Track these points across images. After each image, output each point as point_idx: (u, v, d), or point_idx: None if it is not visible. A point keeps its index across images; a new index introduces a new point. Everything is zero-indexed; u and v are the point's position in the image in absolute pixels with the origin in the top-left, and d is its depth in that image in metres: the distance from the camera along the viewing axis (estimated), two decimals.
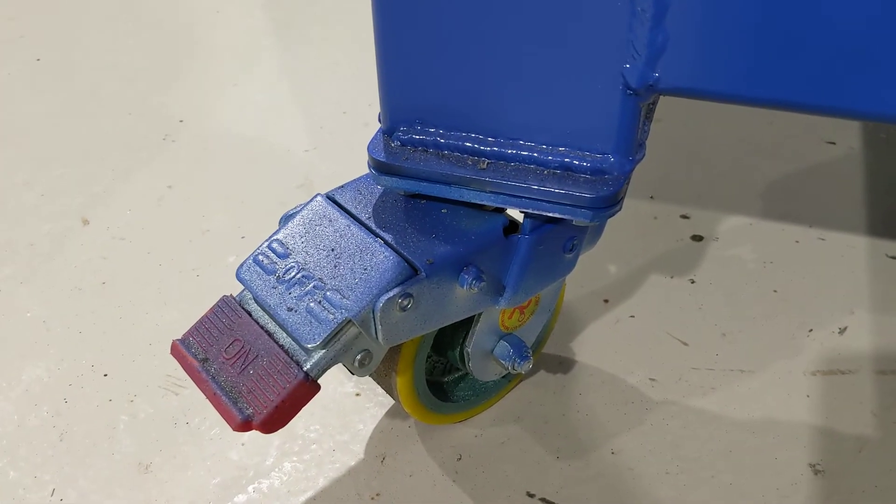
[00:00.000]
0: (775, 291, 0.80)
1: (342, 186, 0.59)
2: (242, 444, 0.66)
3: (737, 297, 0.79)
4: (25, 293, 0.82)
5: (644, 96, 0.47)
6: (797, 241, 0.86)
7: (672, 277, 0.82)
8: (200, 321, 0.55)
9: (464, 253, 0.53)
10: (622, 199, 0.52)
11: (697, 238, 0.86)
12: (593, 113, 0.49)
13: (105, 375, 0.73)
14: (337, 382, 0.71)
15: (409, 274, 0.51)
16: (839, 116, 0.45)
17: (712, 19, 0.43)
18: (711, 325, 0.76)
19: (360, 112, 1.09)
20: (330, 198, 0.58)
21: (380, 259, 0.52)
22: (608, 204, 0.51)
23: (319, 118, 1.09)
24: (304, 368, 0.50)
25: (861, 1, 0.40)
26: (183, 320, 0.78)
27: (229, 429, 0.57)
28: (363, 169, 0.93)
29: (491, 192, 0.52)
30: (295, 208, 0.58)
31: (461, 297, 0.54)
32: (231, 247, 0.87)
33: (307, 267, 0.53)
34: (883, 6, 0.40)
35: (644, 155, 0.53)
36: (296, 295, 0.52)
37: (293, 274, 0.53)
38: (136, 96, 1.16)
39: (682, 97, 0.47)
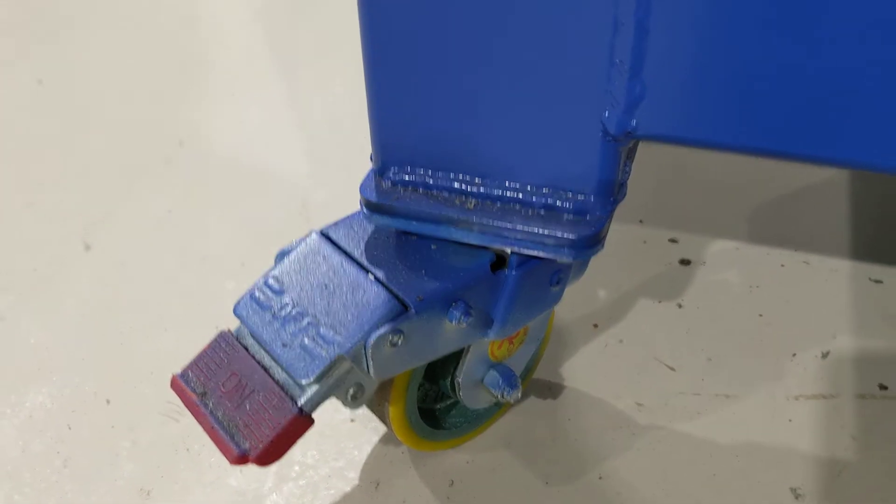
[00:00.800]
0: (761, 315, 0.82)
1: (336, 223, 0.61)
2: (241, 471, 0.68)
3: (723, 322, 0.81)
4: (28, 319, 0.84)
5: (623, 142, 0.50)
6: (783, 265, 0.88)
7: (660, 302, 0.83)
8: (199, 356, 0.56)
9: (452, 289, 0.55)
10: (604, 238, 0.54)
11: (685, 262, 0.88)
12: (575, 157, 0.51)
13: (107, 402, 0.75)
14: (333, 409, 0.72)
15: (399, 310, 0.53)
16: (806, 162, 0.47)
17: (687, 71, 0.45)
18: (698, 350, 0.78)
19: (357, 137, 1.11)
20: (324, 234, 0.60)
21: (371, 296, 0.54)
22: (590, 244, 0.53)
23: (317, 143, 1.11)
24: (299, 403, 0.52)
25: (828, 55, 0.42)
26: (183, 347, 0.79)
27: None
28: (359, 194, 0.95)
29: (478, 231, 0.54)
30: (290, 244, 0.60)
31: (450, 331, 0.56)
32: (230, 273, 0.89)
33: (302, 303, 0.55)
34: (848, 59, 0.42)
35: (625, 195, 0.56)
36: (290, 331, 0.54)
37: (288, 310, 0.55)
38: (137, 118, 1.18)
39: (660, 143, 0.49)
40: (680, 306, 0.83)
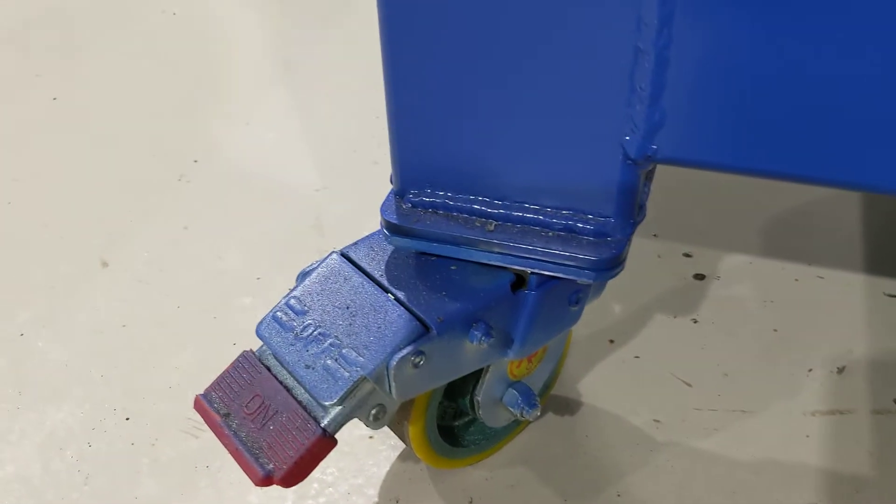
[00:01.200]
0: (775, 331, 0.82)
1: (356, 243, 0.61)
2: (261, 489, 0.69)
3: (738, 337, 0.81)
4: (47, 336, 0.85)
5: (643, 165, 0.50)
6: (796, 280, 0.88)
7: (675, 317, 0.84)
8: (222, 376, 0.57)
9: (473, 310, 0.55)
10: (625, 259, 0.54)
11: (700, 277, 0.89)
12: (595, 179, 0.52)
13: (127, 419, 0.75)
14: (351, 425, 0.73)
15: (420, 332, 0.54)
16: (825, 186, 0.48)
17: (706, 99, 0.46)
18: (714, 365, 0.78)
19: (370, 151, 1.12)
20: (344, 255, 0.60)
21: (393, 317, 0.55)
22: (611, 265, 0.53)
23: (329, 157, 1.12)
24: (322, 424, 0.52)
25: (845, 82, 0.43)
26: (201, 363, 0.80)
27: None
28: (373, 208, 0.96)
29: (498, 252, 0.55)
30: (311, 265, 0.60)
31: (471, 351, 0.57)
32: (247, 288, 0.90)
33: (324, 324, 0.56)
34: (865, 84, 0.42)
35: (644, 216, 0.56)
36: (313, 352, 0.54)
37: (311, 331, 0.55)
38: (152, 136, 1.18)
39: (679, 167, 0.50)
40: (695, 321, 0.83)
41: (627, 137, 0.49)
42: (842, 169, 0.46)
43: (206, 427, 0.73)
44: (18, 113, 1.25)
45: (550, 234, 0.54)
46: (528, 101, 0.50)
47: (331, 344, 0.54)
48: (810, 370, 0.78)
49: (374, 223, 0.97)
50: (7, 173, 1.11)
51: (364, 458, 0.71)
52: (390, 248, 0.60)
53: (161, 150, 1.15)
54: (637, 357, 0.80)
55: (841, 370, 0.77)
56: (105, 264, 0.94)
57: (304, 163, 1.11)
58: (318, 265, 0.59)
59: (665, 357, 0.79)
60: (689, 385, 0.77)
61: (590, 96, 0.48)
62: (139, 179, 1.09)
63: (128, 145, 1.17)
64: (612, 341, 0.81)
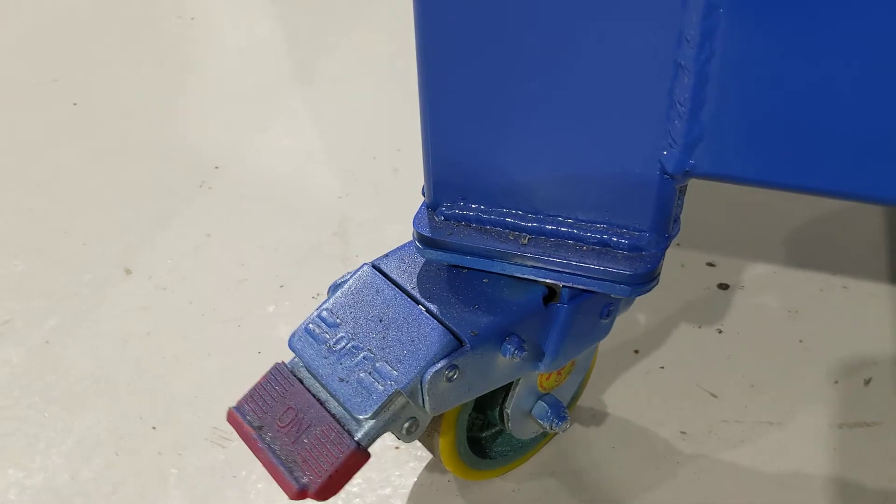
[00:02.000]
0: (801, 341, 0.82)
1: (387, 255, 0.61)
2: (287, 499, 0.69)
3: (763, 348, 0.81)
4: (71, 344, 0.85)
5: (680, 180, 0.50)
6: (821, 290, 0.88)
7: (700, 327, 0.84)
8: (254, 388, 0.57)
9: (506, 323, 0.55)
10: (659, 273, 0.54)
11: (724, 286, 0.88)
12: (632, 194, 0.51)
13: (153, 428, 0.76)
14: None
15: (454, 345, 0.54)
16: (867, 202, 0.48)
17: (747, 114, 0.46)
18: (739, 376, 0.78)
19: (390, 157, 1.12)
20: (375, 266, 0.60)
21: (426, 331, 0.55)
22: (646, 280, 0.53)
23: (349, 163, 1.12)
24: (356, 438, 0.52)
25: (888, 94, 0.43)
26: (226, 372, 0.80)
27: (274, 481, 0.60)
28: (395, 215, 0.96)
29: (532, 266, 0.55)
30: (343, 277, 0.60)
31: (503, 365, 0.57)
32: (270, 296, 0.90)
33: (357, 337, 0.56)
34: None
35: (679, 230, 0.56)
36: (346, 366, 0.54)
37: (343, 344, 0.56)
38: (172, 142, 1.19)
39: (716, 182, 0.49)
40: (720, 332, 0.83)
41: (665, 152, 0.48)
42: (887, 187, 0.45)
43: (232, 437, 0.74)
44: (38, 118, 1.26)
45: (585, 247, 0.54)
46: (565, 116, 0.50)
47: (364, 357, 0.54)
48: (836, 381, 0.77)
49: (396, 230, 0.97)
50: (28, 179, 1.11)
51: (391, 468, 0.71)
52: (421, 259, 0.60)
53: (182, 156, 1.15)
54: (662, 368, 0.79)
55: (868, 382, 0.77)
56: (128, 271, 0.94)
57: (323, 169, 1.12)
58: (350, 277, 0.59)
59: (691, 368, 0.79)
60: (716, 396, 0.76)
61: (629, 111, 0.48)
62: (161, 185, 1.09)
63: (148, 152, 1.17)
64: (636, 352, 0.81)
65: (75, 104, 1.28)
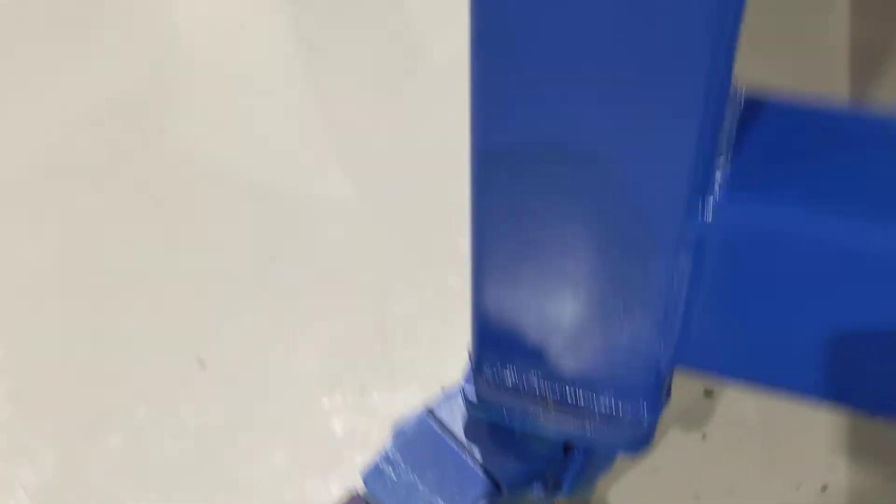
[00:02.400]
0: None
1: (440, 402, 0.77)
2: None
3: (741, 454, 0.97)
4: (159, 433, 1.01)
5: (671, 372, 0.66)
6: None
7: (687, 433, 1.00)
8: None
9: (534, 470, 0.72)
10: (654, 434, 0.71)
11: (708, 393, 1.04)
12: (633, 382, 0.67)
13: None
14: None
15: (493, 490, 0.70)
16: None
17: (733, 318, 0.61)
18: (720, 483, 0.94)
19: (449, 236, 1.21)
20: (432, 412, 0.76)
21: (471, 474, 0.71)
22: (643, 442, 0.69)
23: (398, 249, 1.25)
24: None
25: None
26: (292, 465, 0.96)
27: None
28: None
29: (555, 427, 0.71)
30: (405, 422, 0.76)
31: (530, 501, 0.73)
32: (323, 390, 1.05)
33: (416, 476, 0.72)
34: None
35: (669, 398, 0.72)
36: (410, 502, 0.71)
37: (407, 480, 0.72)
38: (228, 234, 1.31)
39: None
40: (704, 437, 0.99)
41: (661, 351, 0.64)
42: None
43: None
44: (99, 203, 1.34)
45: (597, 416, 0.70)
46: (577, 322, 0.66)
47: (422, 495, 0.71)
48: (798, 487, 0.93)
49: (448, 330, 1.09)
50: (98, 266, 1.22)
51: None
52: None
53: (239, 246, 1.28)
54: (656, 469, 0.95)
55: (825, 488, 0.93)
56: (203, 364, 1.09)
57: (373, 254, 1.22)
58: (413, 423, 0.76)
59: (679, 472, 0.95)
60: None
61: (632, 323, 0.64)
62: (221, 275, 1.22)
63: (204, 242, 1.29)
64: None
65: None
